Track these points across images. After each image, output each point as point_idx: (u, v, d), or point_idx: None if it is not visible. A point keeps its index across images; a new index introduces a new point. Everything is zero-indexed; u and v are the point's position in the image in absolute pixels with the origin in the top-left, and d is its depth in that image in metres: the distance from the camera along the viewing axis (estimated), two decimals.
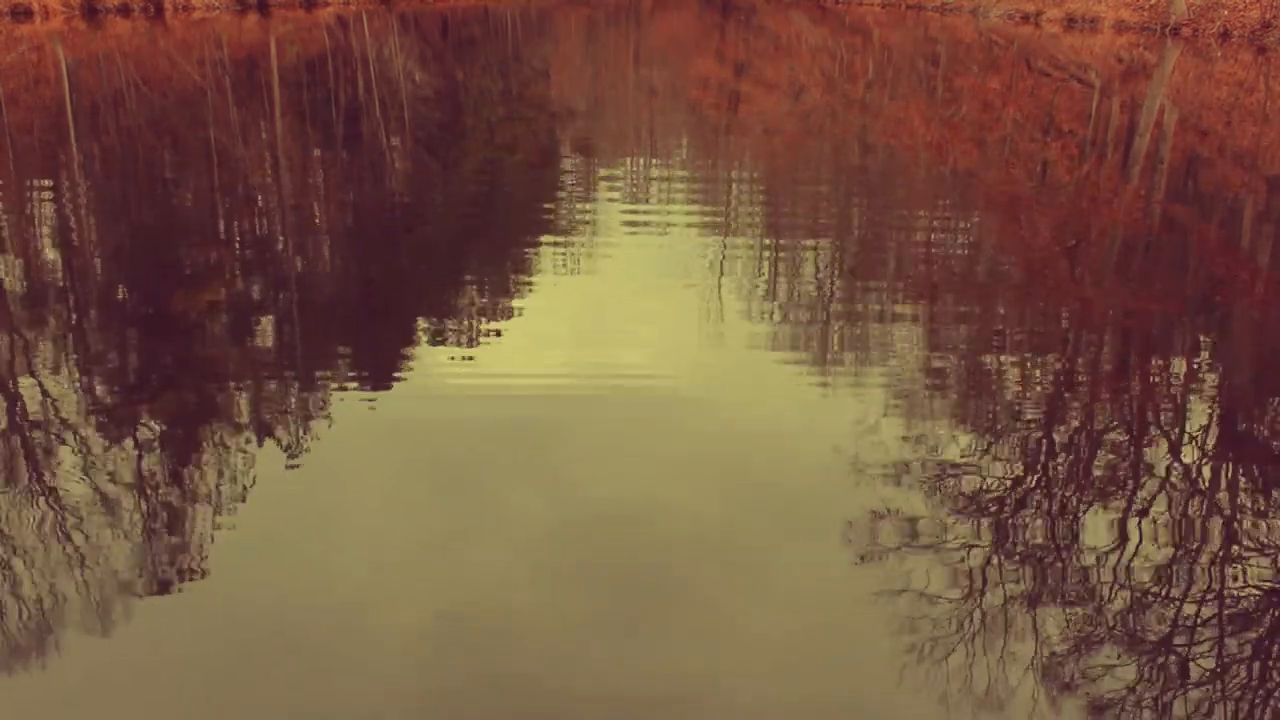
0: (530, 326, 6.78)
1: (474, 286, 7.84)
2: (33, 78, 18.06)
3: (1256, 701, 3.45)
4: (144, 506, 4.41)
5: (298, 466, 4.82)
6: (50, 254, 8.35)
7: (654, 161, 13.11)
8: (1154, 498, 4.73)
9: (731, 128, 16.65)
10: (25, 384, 5.64)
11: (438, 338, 6.55)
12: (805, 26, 38.61)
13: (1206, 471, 5.09)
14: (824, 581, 4.02)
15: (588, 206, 10.37)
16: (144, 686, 3.37)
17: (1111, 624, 3.79)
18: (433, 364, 6.10)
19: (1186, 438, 5.41)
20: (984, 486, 4.75)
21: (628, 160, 13.27)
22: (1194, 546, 4.35)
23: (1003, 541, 4.31)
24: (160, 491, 4.55)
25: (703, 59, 28.67)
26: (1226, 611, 3.90)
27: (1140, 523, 4.49)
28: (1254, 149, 14.66)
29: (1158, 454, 5.24)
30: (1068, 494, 4.76)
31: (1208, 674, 3.56)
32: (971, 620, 3.78)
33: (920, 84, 22.18)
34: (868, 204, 11.15)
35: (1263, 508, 4.76)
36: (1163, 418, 5.71)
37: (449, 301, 7.40)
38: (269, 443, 5.04)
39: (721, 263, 8.22)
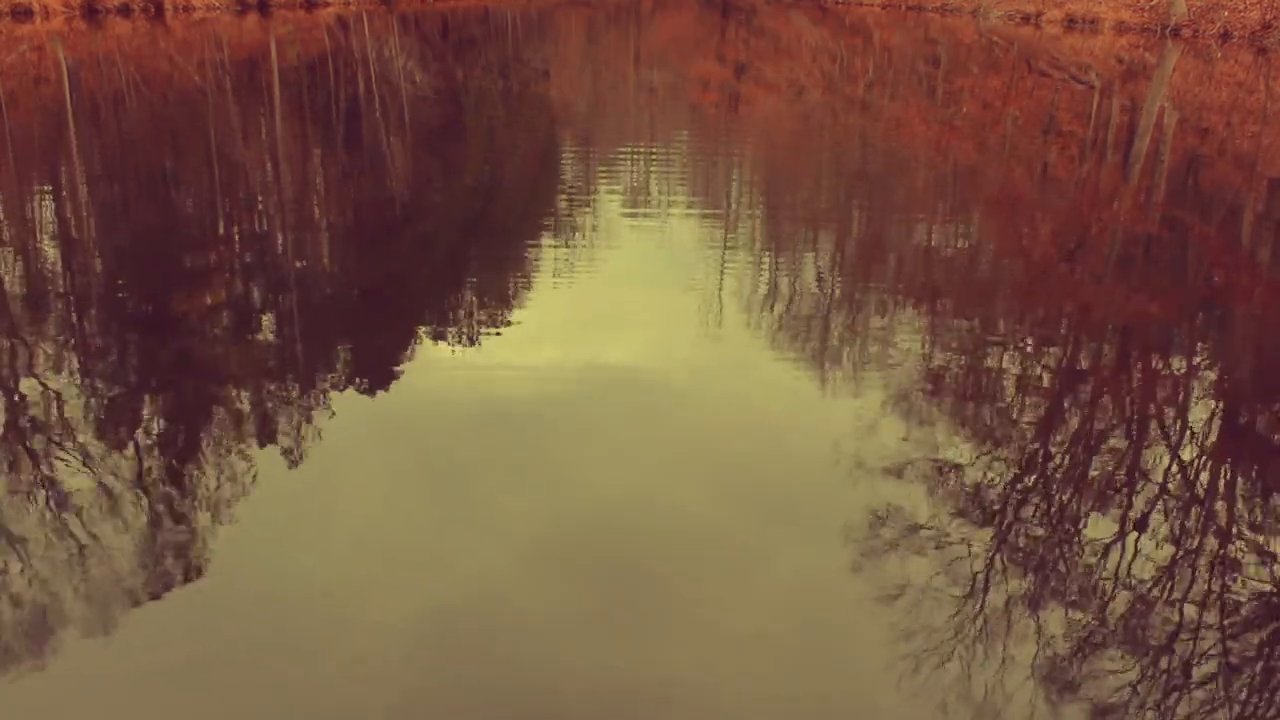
0: (529, 324, 6.78)
1: (474, 285, 7.84)
2: (33, 78, 18.06)
3: (1260, 706, 3.45)
4: (142, 505, 4.41)
5: (296, 464, 4.82)
6: (50, 253, 8.35)
7: (654, 162, 13.11)
8: (1155, 499, 4.72)
9: (732, 128, 16.65)
10: (25, 382, 5.63)
11: (437, 336, 6.55)
12: (805, 27, 38.61)
13: (1207, 473, 5.09)
14: (821, 580, 4.02)
15: (588, 206, 10.37)
16: (139, 685, 3.37)
17: (1112, 626, 3.78)
18: (432, 362, 6.10)
19: (1187, 439, 5.41)
20: (983, 486, 4.75)
21: (628, 160, 13.28)
22: (1195, 549, 4.34)
23: (1002, 541, 4.31)
24: (158, 490, 4.54)
25: (703, 60, 28.68)
26: (1228, 614, 3.90)
27: (1141, 524, 4.48)
28: (1254, 150, 14.66)
29: (1158, 455, 5.23)
30: (1067, 494, 4.76)
31: (1209, 678, 3.56)
32: (970, 620, 3.78)
33: (920, 84, 22.18)
34: (867, 204, 11.15)
35: (1264, 509, 4.75)
36: (1163, 419, 5.71)
37: (448, 300, 7.40)
38: (267, 441, 5.04)
39: (721, 262, 8.22)
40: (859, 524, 4.38)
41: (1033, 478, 4.89)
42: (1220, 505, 4.77)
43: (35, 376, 5.72)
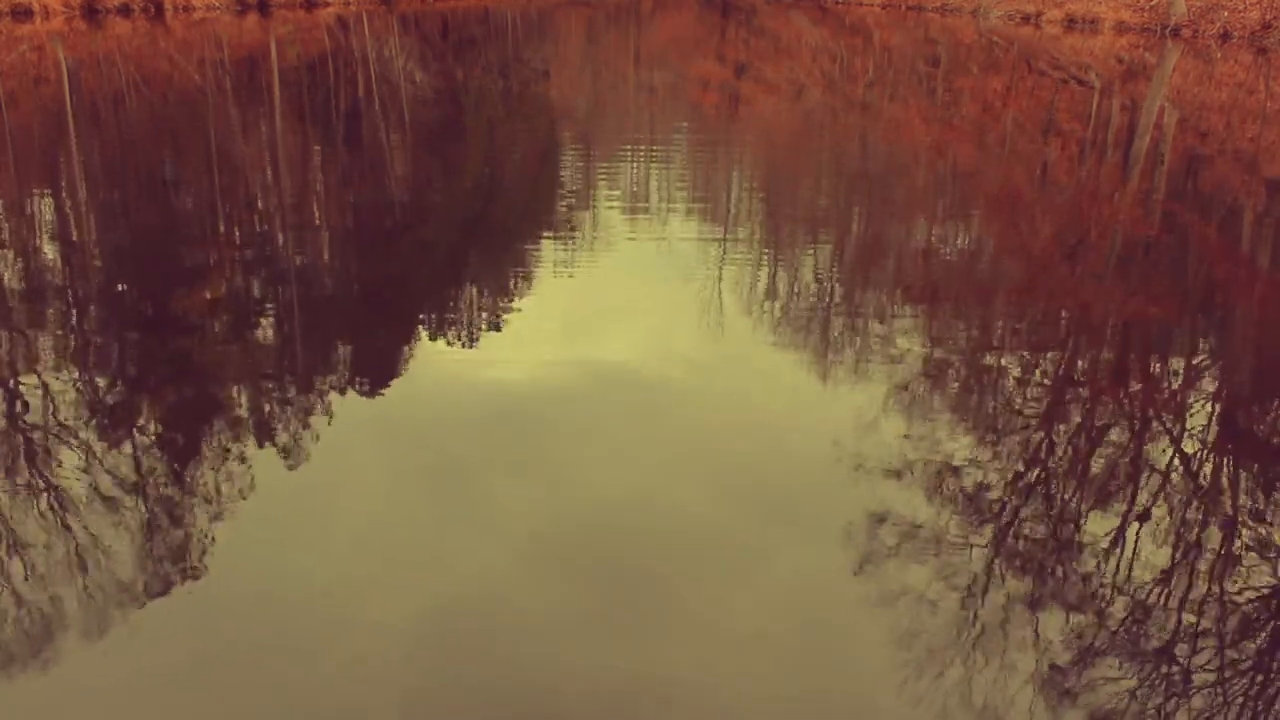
0: (529, 324, 6.78)
1: (474, 285, 7.84)
2: (33, 78, 18.06)
3: (1259, 709, 3.44)
4: (141, 505, 4.41)
5: (296, 464, 4.82)
6: (50, 253, 8.35)
7: (654, 161, 13.11)
8: (1154, 501, 4.72)
9: (732, 128, 16.65)
10: (24, 382, 5.63)
11: (437, 336, 6.55)
12: (805, 27, 38.61)
13: (1207, 474, 5.09)
14: (822, 580, 4.01)
15: (587, 206, 10.37)
16: (140, 685, 3.37)
17: (1111, 628, 3.78)
18: (432, 362, 6.10)
19: (1187, 439, 5.41)
20: (984, 485, 4.75)
21: (628, 160, 13.28)
22: (1195, 550, 4.34)
23: (1002, 542, 4.31)
24: (158, 490, 4.54)
25: (703, 60, 28.68)
26: (1229, 617, 3.89)
27: (1141, 526, 4.48)
28: (1254, 150, 14.66)
29: (1158, 456, 5.23)
30: (1068, 494, 4.75)
31: (1210, 681, 3.55)
32: (971, 621, 3.77)
33: (920, 85, 22.18)
34: (867, 203, 11.15)
35: (1264, 510, 4.75)
36: (1163, 419, 5.71)
37: (448, 300, 7.40)
38: (267, 440, 5.04)
39: (721, 261, 8.22)
40: (859, 524, 4.38)
41: (1033, 478, 4.89)
42: (1221, 507, 4.77)
43: (35, 375, 5.72)
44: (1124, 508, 4.61)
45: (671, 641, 3.61)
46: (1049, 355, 6.57)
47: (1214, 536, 4.45)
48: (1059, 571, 4.11)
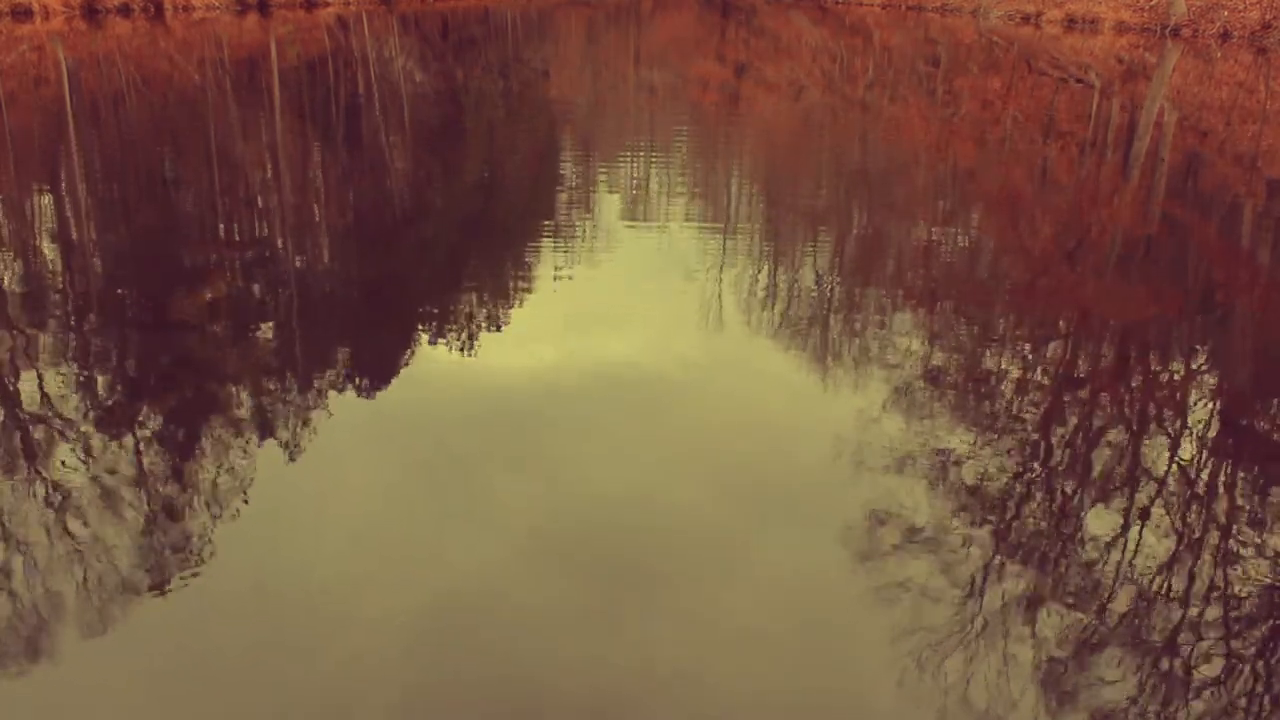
0: (529, 323, 6.78)
1: (473, 284, 7.84)
2: (33, 78, 18.06)
3: (1261, 706, 3.44)
4: (141, 502, 4.41)
5: (295, 462, 4.82)
6: (50, 254, 8.35)
7: (653, 161, 13.11)
8: (1155, 498, 4.72)
9: (731, 128, 16.65)
10: (24, 380, 5.63)
11: (436, 335, 6.55)
12: (805, 27, 38.62)
13: (1208, 472, 5.08)
14: (821, 578, 4.01)
15: (587, 206, 10.37)
16: (137, 682, 3.37)
17: (1112, 625, 3.78)
18: (431, 361, 6.10)
19: (1187, 438, 5.41)
20: (983, 485, 4.74)
21: (627, 160, 13.28)
22: (1196, 547, 4.34)
23: (1002, 542, 4.31)
24: (157, 487, 4.54)
25: (703, 60, 28.68)
26: (1230, 614, 3.89)
27: (1141, 523, 4.48)
28: (1254, 149, 14.66)
29: (1158, 454, 5.23)
30: (1068, 492, 4.75)
31: (1210, 678, 3.55)
32: (971, 618, 3.77)
33: (920, 85, 22.18)
34: (867, 203, 11.15)
35: (1264, 509, 4.75)
36: (1163, 418, 5.71)
37: (448, 299, 7.40)
38: (267, 438, 5.03)
39: (721, 260, 8.22)
40: (859, 522, 4.38)
41: (1033, 477, 4.89)
42: (1221, 503, 4.77)
43: (35, 374, 5.72)
44: (1124, 505, 4.61)
45: (670, 638, 3.61)
46: (1049, 354, 6.57)
47: (1214, 534, 4.45)
48: (1058, 569, 4.11)
